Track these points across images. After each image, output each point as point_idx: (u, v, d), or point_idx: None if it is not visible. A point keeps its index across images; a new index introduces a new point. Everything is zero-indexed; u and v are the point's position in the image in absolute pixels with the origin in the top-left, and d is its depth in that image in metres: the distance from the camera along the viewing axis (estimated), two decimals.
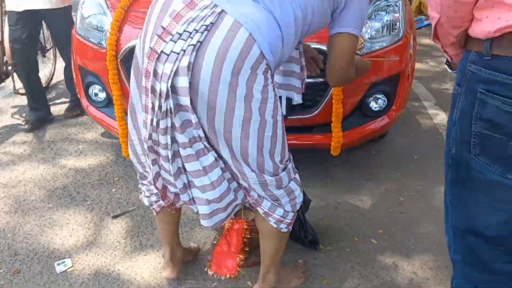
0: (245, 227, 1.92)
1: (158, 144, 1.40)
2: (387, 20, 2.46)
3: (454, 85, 1.14)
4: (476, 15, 1.02)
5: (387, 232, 2.30)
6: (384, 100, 2.57)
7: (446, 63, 1.43)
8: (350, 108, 2.51)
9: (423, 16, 6.64)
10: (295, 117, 2.41)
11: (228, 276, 1.91)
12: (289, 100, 2.28)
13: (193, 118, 1.29)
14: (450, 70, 1.40)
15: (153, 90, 1.27)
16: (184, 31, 1.20)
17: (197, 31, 1.19)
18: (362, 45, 2.37)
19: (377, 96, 2.56)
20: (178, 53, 1.20)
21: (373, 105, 2.57)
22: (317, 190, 2.64)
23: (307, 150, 2.59)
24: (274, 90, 1.33)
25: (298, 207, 1.65)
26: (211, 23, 1.19)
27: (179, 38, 1.21)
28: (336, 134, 2.42)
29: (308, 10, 1.34)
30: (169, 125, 1.33)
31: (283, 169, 1.50)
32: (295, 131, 2.49)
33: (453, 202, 1.23)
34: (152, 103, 1.30)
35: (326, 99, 2.38)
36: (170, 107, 1.26)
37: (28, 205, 2.50)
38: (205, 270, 1.96)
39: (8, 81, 3.60)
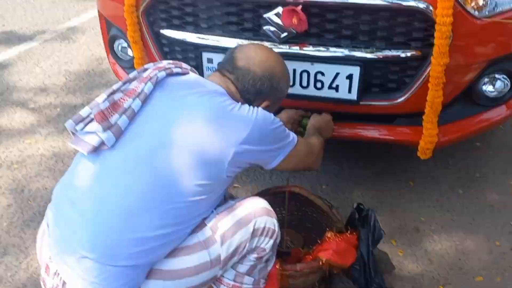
0: (281, 271, 1.35)
1: None
2: None
3: None
4: None
5: (490, 281, 1.62)
6: (506, 83, 1.78)
7: None
8: (454, 94, 1.75)
9: None
10: (371, 103, 1.71)
11: None
12: (362, 78, 1.63)
13: None
14: None
15: None
16: None
17: None
18: (486, 2, 1.57)
19: (496, 76, 1.77)
20: None
21: (489, 90, 1.78)
22: (391, 199, 1.98)
23: (382, 143, 1.91)
24: None
25: None
26: None
27: None
28: (429, 131, 1.70)
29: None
30: None
31: None
32: (370, 119, 1.81)
33: None
34: None
35: (420, 81, 1.65)
36: None
37: (38, 182, 2.12)
38: None
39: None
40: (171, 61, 1.33)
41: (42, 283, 1.22)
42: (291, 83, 1.63)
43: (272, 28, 1.62)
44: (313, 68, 1.66)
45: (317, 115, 1.67)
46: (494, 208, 1.92)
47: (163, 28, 1.81)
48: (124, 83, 1.25)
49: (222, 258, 1.19)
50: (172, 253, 1.17)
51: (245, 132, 1.17)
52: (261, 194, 1.58)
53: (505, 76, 1.77)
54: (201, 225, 1.20)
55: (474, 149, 2.28)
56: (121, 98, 1.18)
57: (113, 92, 1.21)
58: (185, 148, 1.13)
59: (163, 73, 1.25)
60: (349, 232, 1.46)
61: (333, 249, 1.37)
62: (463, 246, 1.75)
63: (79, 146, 1.16)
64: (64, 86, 2.96)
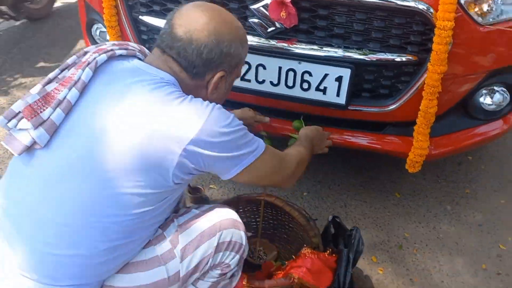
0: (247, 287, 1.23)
1: None
2: None
3: None
4: None
5: None
6: (505, 96, 1.67)
7: None
8: (449, 105, 1.64)
9: None
10: (360, 109, 1.60)
11: None
12: (352, 82, 1.51)
13: None
14: None
15: None
16: None
17: None
18: (491, 8, 1.45)
19: (495, 88, 1.66)
20: None
21: (486, 102, 1.67)
22: (375, 211, 1.87)
23: (369, 152, 1.80)
24: None
25: None
26: None
27: None
28: (420, 143, 1.59)
29: None
30: None
31: None
32: (358, 126, 1.70)
33: None
34: None
35: (414, 88, 1.53)
36: None
37: None
38: None
39: None
40: (116, 42, 1.17)
41: None
42: (246, 48, 1.43)
43: (259, 21, 1.49)
44: (301, 67, 1.53)
45: (309, 127, 1.53)
46: (482, 227, 1.82)
47: (142, 14, 1.67)
48: (62, 70, 1.09)
49: (181, 275, 1.06)
50: (126, 268, 1.05)
51: (193, 132, 0.97)
52: (233, 201, 1.45)
53: (504, 89, 1.66)
54: (159, 237, 1.07)
55: (465, 162, 2.17)
56: (55, 88, 1.02)
57: (49, 82, 1.06)
58: (123, 151, 0.96)
59: (103, 57, 1.07)
60: (328, 252, 1.34)
61: (307, 267, 1.25)
62: (448, 267, 1.64)
63: (10, 146, 1.00)
64: (41, 69, 2.81)
